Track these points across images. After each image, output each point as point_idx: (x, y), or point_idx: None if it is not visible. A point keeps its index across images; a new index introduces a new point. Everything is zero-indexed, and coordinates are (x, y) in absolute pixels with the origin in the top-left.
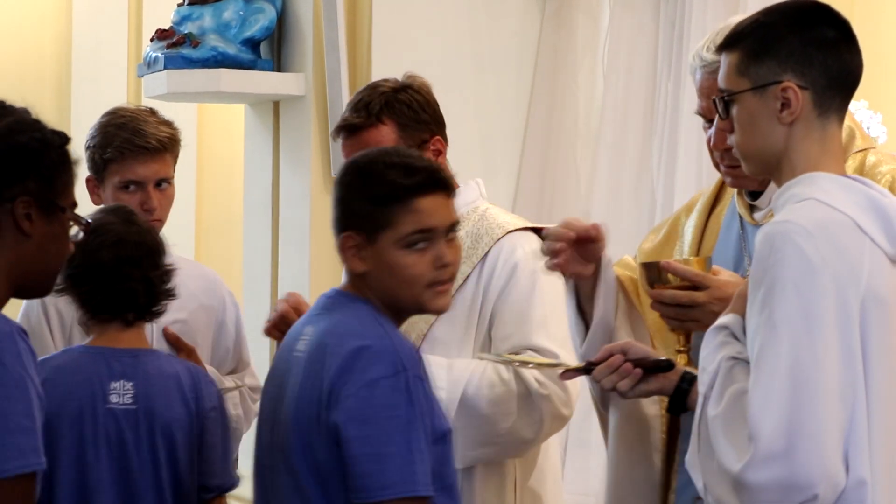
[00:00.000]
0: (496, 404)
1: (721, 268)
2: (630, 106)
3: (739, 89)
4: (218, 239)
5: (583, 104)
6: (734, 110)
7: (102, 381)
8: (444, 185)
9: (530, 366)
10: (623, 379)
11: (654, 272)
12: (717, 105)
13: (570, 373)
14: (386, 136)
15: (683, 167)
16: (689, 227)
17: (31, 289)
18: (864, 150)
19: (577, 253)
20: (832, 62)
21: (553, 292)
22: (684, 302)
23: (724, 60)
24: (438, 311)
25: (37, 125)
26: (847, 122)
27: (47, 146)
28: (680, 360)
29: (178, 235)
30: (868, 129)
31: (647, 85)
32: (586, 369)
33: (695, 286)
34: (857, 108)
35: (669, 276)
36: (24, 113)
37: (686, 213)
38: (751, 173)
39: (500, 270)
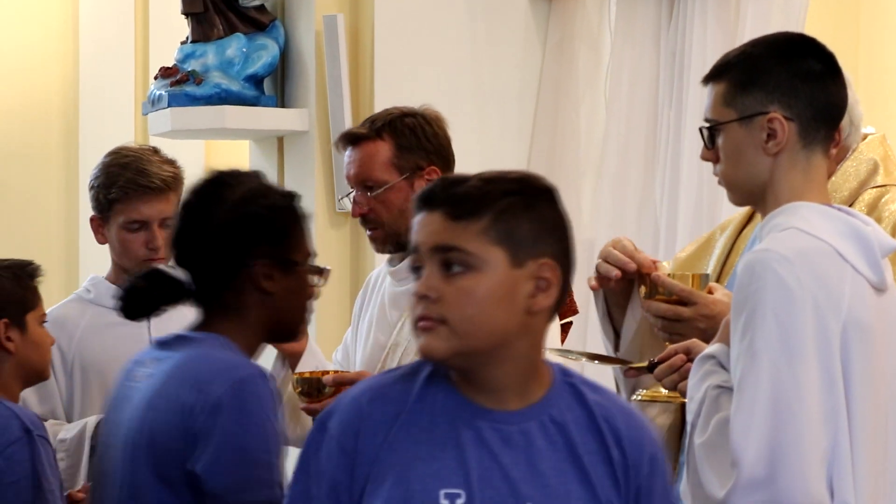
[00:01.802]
0: None
1: (717, 285)
2: (632, 137)
3: (725, 119)
4: None
5: (585, 135)
6: (720, 140)
7: None
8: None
9: (595, 362)
10: (684, 380)
11: (648, 284)
12: (703, 134)
13: (634, 370)
14: (381, 150)
15: (686, 197)
16: (720, 243)
17: (281, 337)
18: (885, 186)
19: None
20: (819, 94)
21: None
22: (669, 316)
23: (711, 91)
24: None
25: (265, 191)
26: (872, 154)
27: (276, 210)
28: None
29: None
30: None
31: (648, 115)
32: (649, 368)
33: (682, 301)
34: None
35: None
36: (254, 181)
37: (721, 231)
38: (735, 203)
39: None
